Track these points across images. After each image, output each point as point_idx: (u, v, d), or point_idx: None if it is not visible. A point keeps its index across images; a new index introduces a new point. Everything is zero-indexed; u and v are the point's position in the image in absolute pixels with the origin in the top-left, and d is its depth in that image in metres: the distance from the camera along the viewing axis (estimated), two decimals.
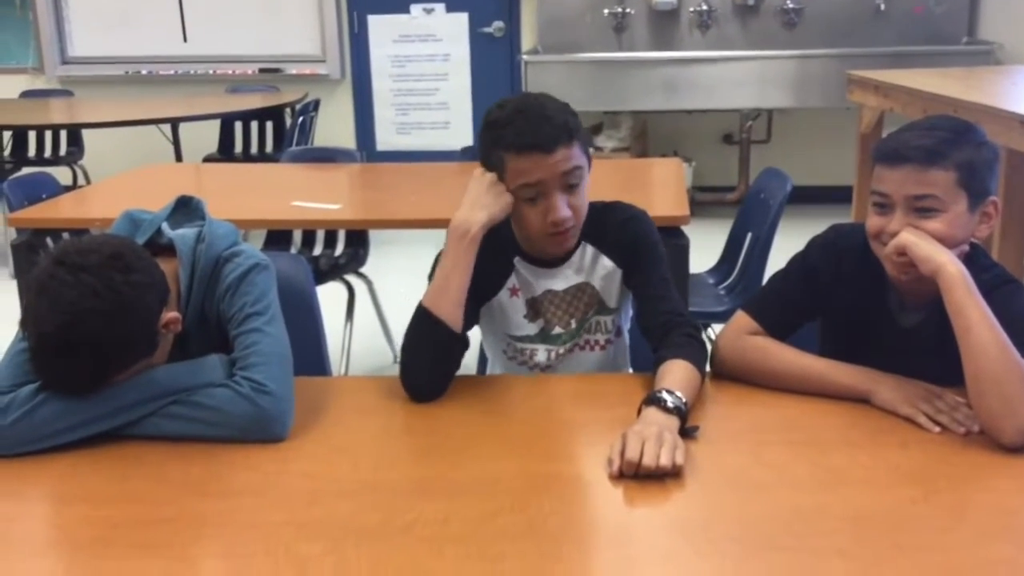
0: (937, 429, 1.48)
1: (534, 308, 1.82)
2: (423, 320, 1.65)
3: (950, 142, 1.51)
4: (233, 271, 1.60)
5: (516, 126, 1.65)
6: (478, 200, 1.68)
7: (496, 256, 1.78)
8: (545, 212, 1.68)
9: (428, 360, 1.65)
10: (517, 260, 1.81)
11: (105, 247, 1.44)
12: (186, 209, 1.74)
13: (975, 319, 1.45)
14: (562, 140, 1.65)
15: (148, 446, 1.47)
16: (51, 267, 1.41)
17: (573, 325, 1.83)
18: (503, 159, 1.67)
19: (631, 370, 1.95)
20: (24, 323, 1.44)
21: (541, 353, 1.85)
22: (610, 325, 1.86)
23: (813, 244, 1.72)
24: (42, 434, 1.45)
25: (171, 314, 1.51)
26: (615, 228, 1.80)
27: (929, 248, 1.50)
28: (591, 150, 1.75)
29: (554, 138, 1.64)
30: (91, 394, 1.46)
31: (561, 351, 1.85)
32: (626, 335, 1.92)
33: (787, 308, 1.71)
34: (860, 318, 1.67)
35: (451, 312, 1.65)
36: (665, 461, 1.34)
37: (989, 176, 1.55)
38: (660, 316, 1.71)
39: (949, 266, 1.48)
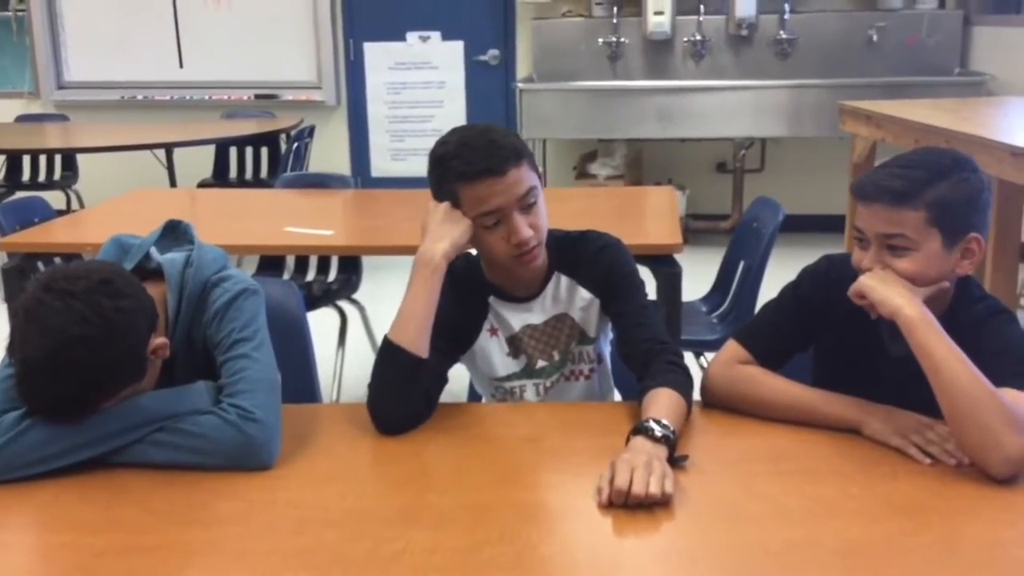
0: (928, 460, 1.47)
1: (515, 345, 1.82)
2: (388, 351, 1.64)
3: (922, 182, 1.51)
4: (221, 296, 1.59)
5: (464, 157, 1.66)
6: (437, 230, 1.68)
7: (470, 299, 1.79)
8: (507, 236, 1.68)
9: (394, 390, 1.63)
10: (492, 299, 1.81)
11: (94, 273, 1.44)
12: (175, 233, 1.73)
13: (940, 357, 1.44)
14: (511, 161, 1.65)
15: (133, 474, 1.46)
16: (39, 293, 1.40)
17: (556, 357, 1.83)
18: (456, 191, 1.67)
19: (617, 394, 1.94)
20: (11, 349, 1.43)
21: (530, 389, 1.84)
22: (592, 354, 1.85)
23: (805, 274, 1.72)
24: (27, 461, 1.44)
25: (159, 340, 1.50)
26: (589, 259, 1.80)
27: (885, 292, 1.50)
28: (540, 170, 1.75)
29: (504, 160, 1.65)
30: (77, 421, 1.45)
31: (548, 384, 1.84)
32: (607, 361, 1.92)
33: (778, 338, 1.71)
34: (852, 347, 1.67)
35: (414, 340, 1.64)
36: (655, 489, 1.33)
37: (969, 213, 1.54)
38: (642, 344, 1.71)
39: (906, 309, 1.48)
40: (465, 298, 1.76)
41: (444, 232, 1.68)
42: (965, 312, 1.59)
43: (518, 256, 1.70)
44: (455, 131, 1.72)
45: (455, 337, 1.76)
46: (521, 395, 1.85)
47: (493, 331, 1.82)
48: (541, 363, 1.83)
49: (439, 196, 1.71)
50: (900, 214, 1.51)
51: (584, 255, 1.81)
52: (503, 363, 1.83)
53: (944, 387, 1.44)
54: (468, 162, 1.65)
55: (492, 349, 1.82)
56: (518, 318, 1.81)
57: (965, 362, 1.44)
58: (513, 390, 1.85)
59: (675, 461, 1.45)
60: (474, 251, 1.77)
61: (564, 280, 1.81)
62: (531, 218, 1.69)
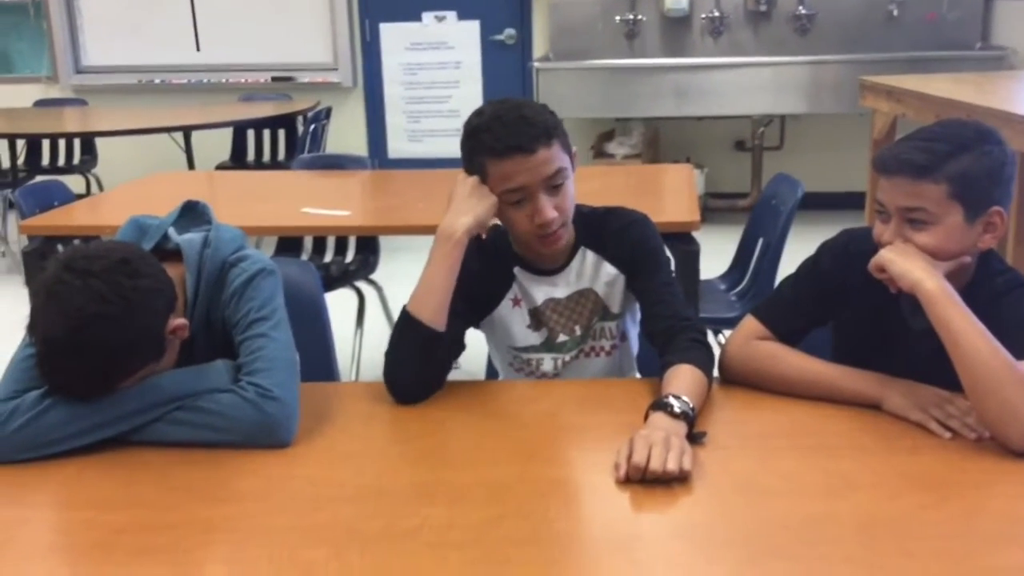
0: (948, 435, 1.46)
1: (536, 318, 1.82)
2: (406, 323, 1.65)
3: (944, 155, 1.49)
4: (239, 276, 1.60)
5: (495, 131, 1.65)
6: (462, 204, 1.68)
7: (496, 268, 1.78)
8: (531, 215, 1.68)
9: (411, 361, 1.64)
10: (517, 270, 1.80)
11: (113, 252, 1.44)
12: (192, 214, 1.73)
13: (960, 330, 1.43)
14: (542, 141, 1.64)
15: (153, 452, 1.47)
16: (59, 272, 1.41)
17: (578, 332, 1.83)
18: (484, 165, 1.67)
19: (638, 375, 1.94)
20: (32, 328, 1.43)
21: (547, 362, 1.84)
22: (615, 330, 1.85)
23: (824, 249, 1.71)
24: (48, 440, 1.45)
25: (179, 320, 1.51)
26: (615, 234, 1.79)
27: (905, 265, 1.49)
28: (574, 149, 1.74)
29: (534, 138, 1.64)
30: (97, 400, 1.46)
31: (567, 359, 1.84)
32: (632, 340, 1.91)
33: (797, 313, 1.70)
34: (872, 322, 1.65)
35: (433, 314, 1.64)
36: (672, 466, 1.33)
37: (992, 186, 1.52)
38: (665, 321, 1.70)
39: (926, 282, 1.47)
40: (491, 266, 1.76)
41: (469, 207, 1.67)
42: (986, 285, 1.57)
43: (540, 236, 1.70)
44: (491, 103, 1.72)
45: (476, 303, 1.76)
46: (538, 367, 1.85)
47: (516, 301, 1.82)
48: (562, 337, 1.83)
49: (469, 169, 1.71)
50: (921, 187, 1.50)
51: (610, 230, 1.80)
52: (523, 334, 1.83)
53: (964, 360, 1.43)
54: (497, 137, 1.65)
55: (514, 319, 1.82)
56: (542, 291, 1.81)
57: (985, 335, 1.43)
58: (530, 361, 1.85)
59: (694, 438, 1.44)
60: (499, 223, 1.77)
61: (590, 255, 1.81)
62: (557, 199, 1.68)
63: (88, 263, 1.41)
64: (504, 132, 1.64)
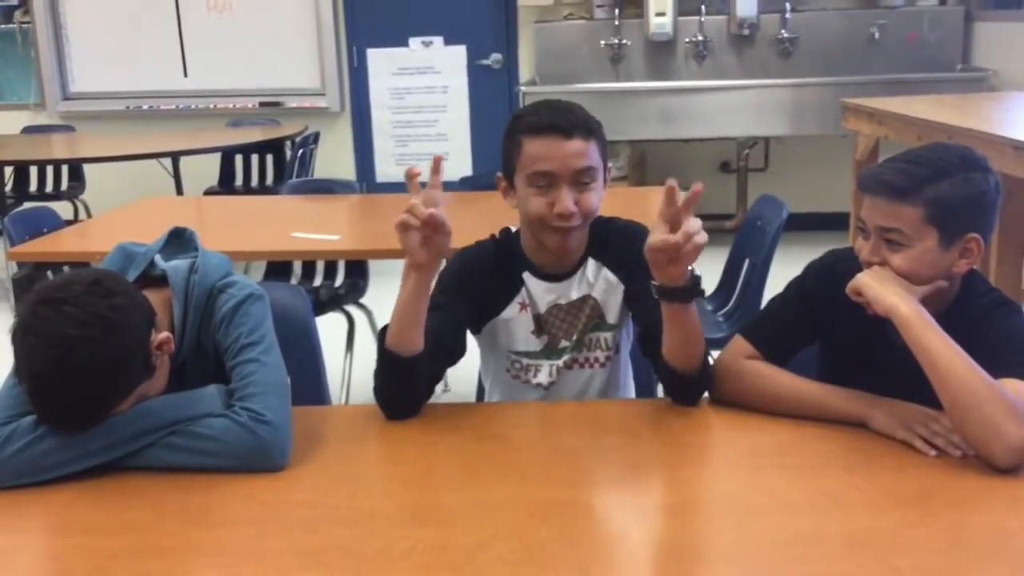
0: (933, 452, 1.48)
1: (539, 324, 1.84)
2: (385, 356, 1.64)
3: (923, 179, 1.52)
4: (227, 302, 1.61)
5: (539, 112, 1.72)
6: None
7: (506, 274, 1.80)
8: (550, 204, 1.70)
9: (396, 386, 1.67)
10: (526, 275, 1.83)
11: (82, 277, 1.45)
12: (179, 241, 1.75)
13: (936, 352, 1.46)
14: (580, 131, 1.69)
15: (147, 477, 1.48)
16: (32, 308, 1.41)
17: (574, 337, 1.85)
18: (520, 143, 1.71)
19: (632, 388, 1.95)
20: (17, 370, 1.43)
21: (544, 369, 1.85)
22: (609, 342, 1.87)
23: (810, 269, 1.74)
24: (42, 466, 1.45)
25: (163, 335, 1.51)
26: (618, 241, 1.83)
27: (880, 289, 1.52)
28: (610, 164, 1.78)
29: (573, 125, 1.68)
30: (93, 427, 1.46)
31: (560, 364, 1.85)
32: (626, 354, 1.93)
33: (785, 332, 1.72)
34: (858, 340, 1.67)
35: (405, 342, 1.63)
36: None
37: (970, 213, 1.55)
38: (659, 325, 1.71)
39: (900, 307, 1.50)
40: (501, 271, 1.79)
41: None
42: (970, 304, 1.60)
43: (553, 226, 1.72)
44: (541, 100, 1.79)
45: (483, 307, 1.79)
46: (536, 374, 1.86)
47: (523, 306, 1.83)
48: (563, 343, 1.84)
49: (506, 151, 1.75)
50: (898, 209, 1.53)
51: (614, 239, 1.83)
52: (525, 339, 1.85)
53: (942, 381, 1.45)
54: (540, 116, 1.71)
55: (519, 323, 1.84)
56: (548, 297, 1.83)
57: (961, 355, 1.45)
58: (528, 367, 1.86)
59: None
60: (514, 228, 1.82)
61: (593, 263, 1.84)
62: (581, 196, 1.71)
63: (59, 292, 1.41)
64: (548, 113, 1.71)
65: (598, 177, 1.73)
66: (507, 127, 1.77)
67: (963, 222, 1.54)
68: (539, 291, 1.83)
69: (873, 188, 1.55)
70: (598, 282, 1.83)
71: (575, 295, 1.83)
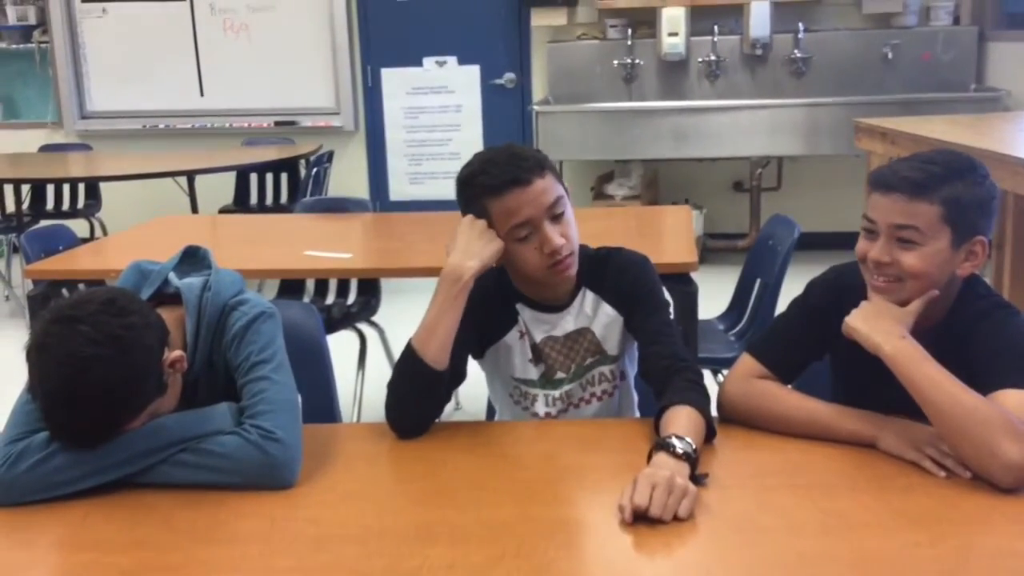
0: (943, 473, 1.47)
1: (536, 353, 1.84)
2: (411, 360, 1.67)
3: (941, 177, 1.54)
4: (239, 320, 1.62)
5: (489, 172, 1.71)
6: (469, 247, 1.71)
7: (502, 304, 1.81)
8: (540, 247, 1.71)
9: (413, 399, 1.68)
10: (520, 306, 1.83)
11: (96, 296, 1.46)
12: (193, 259, 1.76)
13: (925, 385, 1.47)
14: (536, 172, 1.70)
15: (158, 494, 1.49)
16: (46, 326, 1.42)
17: (572, 370, 1.85)
18: (486, 207, 1.71)
19: (638, 413, 1.95)
20: (31, 388, 1.45)
21: (541, 400, 1.86)
22: (611, 374, 1.87)
23: (813, 284, 1.74)
24: (54, 482, 1.47)
25: (175, 352, 1.53)
26: (615, 274, 1.82)
27: (865, 330, 1.55)
28: (566, 185, 1.79)
29: (528, 170, 1.69)
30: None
31: (557, 395, 1.85)
32: (631, 380, 1.93)
33: (792, 349, 1.72)
34: (868, 354, 1.67)
35: (437, 354, 1.67)
36: (669, 517, 1.34)
37: (980, 216, 1.57)
38: (662, 361, 1.72)
39: (884, 347, 1.53)
40: (494, 306, 1.79)
41: (476, 250, 1.70)
42: (968, 307, 1.60)
43: (552, 266, 1.72)
44: (478, 154, 1.77)
45: (482, 334, 1.80)
46: (533, 403, 1.87)
47: (522, 334, 1.84)
48: (560, 375, 1.85)
49: (469, 213, 1.74)
50: (916, 206, 1.53)
51: (611, 271, 1.83)
52: (523, 367, 1.85)
53: (934, 411, 1.47)
54: (493, 176, 1.70)
55: (517, 350, 1.84)
56: (542, 329, 1.83)
57: (950, 380, 1.46)
58: (527, 394, 1.87)
59: (696, 479, 1.45)
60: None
61: (590, 296, 1.83)
62: (561, 227, 1.72)
63: (73, 311, 1.43)
64: (499, 170, 1.70)
65: (567, 202, 1.75)
66: (461, 192, 1.76)
67: (973, 223, 1.56)
68: (532, 322, 1.83)
69: (892, 184, 1.56)
70: (598, 316, 1.83)
71: (571, 327, 1.83)
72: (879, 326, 1.54)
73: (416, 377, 1.66)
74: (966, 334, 1.51)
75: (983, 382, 1.47)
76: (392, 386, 1.69)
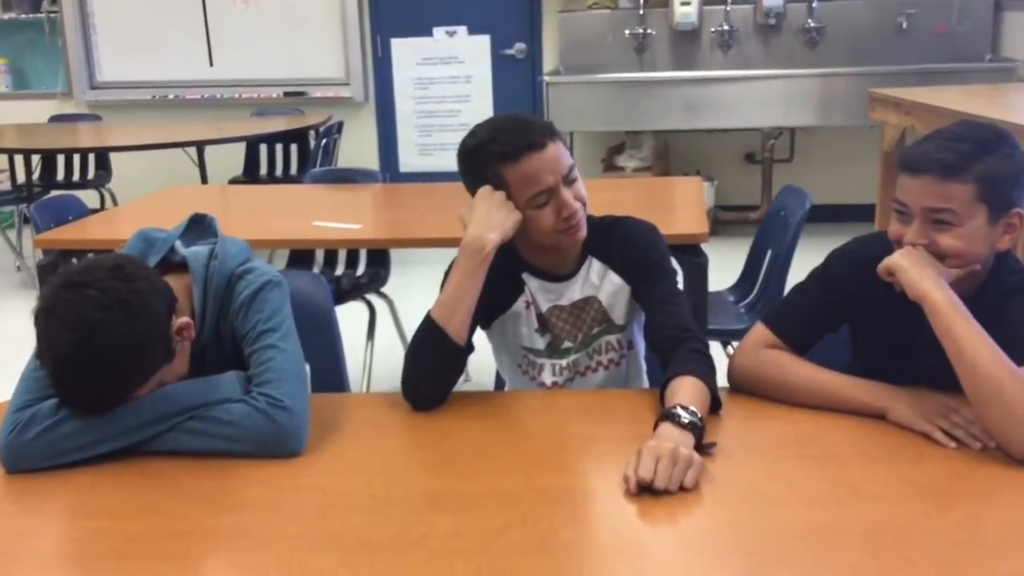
0: (953, 444, 1.47)
1: (542, 322, 1.83)
2: (431, 331, 1.67)
3: (971, 155, 1.50)
4: (246, 288, 1.62)
5: (500, 140, 1.69)
6: (490, 218, 1.69)
7: (508, 274, 1.80)
8: (556, 212, 1.70)
9: (432, 371, 1.67)
10: (526, 275, 1.82)
11: (104, 262, 1.47)
12: (199, 227, 1.76)
13: (963, 340, 1.45)
14: (547, 136, 1.69)
15: (165, 461, 1.49)
16: (55, 291, 1.43)
17: (579, 339, 1.84)
18: (501, 174, 1.69)
19: (646, 383, 1.95)
20: (39, 353, 1.45)
21: (547, 369, 1.85)
22: (618, 343, 1.86)
23: (835, 256, 1.71)
24: (63, 449, 1.47)
25: (183, 319, 1.53)
26: (622, 243, 1.81)
27: (914, 274, 1.50)
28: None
29: (541, 134, 1.69)
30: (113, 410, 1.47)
31: (564, 364, 1.85)
32: (639, 348, 1.92)
33: (807, 320, 1.71)
34: (890, 324, 1.64)
35: (459, 327, 1.67)
36: (675, 487, 1.34)
37: (1014, 188, 1.53)
38: (667, 331, 1.71)
39: (932, 293, 1.48)
40: (503, 273, 1.78)
41: (497, 221, 1.69)
42: (1000, 283, 1.58)
43: (566, 230, 1.72)
44: (481, 124, 1.74)
45: (489, 304, 1.78)
46: (540, 371, 1.86)
47: (528, 304, 1.83)
48: (567, 344, 1.84)
49: (478, 185, 1.72)
50: (949, 188, 1.50)
51: (618, 240, 1.82)
52: (530, 336, 1.85)
53: (966, 369, 1.44)
54: (505, 143, 1.68)
55: (524, 319, 1.84)
56: (549, 298, 1.83)
57: (988, 343, 1.44)
58: (534, 363, 1.87)
59: (703, 448, 1.45)
60: None
61: (596, 264, 1.82)
62: (575, 191, 1.72)
63: (81, 276, 1.43)
64: (510, 136, 1.68)
65: (574, 168, 1.74)
66: (468, 160, 1.74)
67: (1008, 197, 1.53)
68: (538, 291, 1.83)
69: (923, 167, 1.52)
70: (604, 284, 1.82)
71: (577, 295, 1.82)
72: (927, 272, 1.50)
73: (438, 351, 1.66)
74: (996, 309, 1.49)
75: (1011, 357, 1.45)
76: (411, 359, 1.68)
